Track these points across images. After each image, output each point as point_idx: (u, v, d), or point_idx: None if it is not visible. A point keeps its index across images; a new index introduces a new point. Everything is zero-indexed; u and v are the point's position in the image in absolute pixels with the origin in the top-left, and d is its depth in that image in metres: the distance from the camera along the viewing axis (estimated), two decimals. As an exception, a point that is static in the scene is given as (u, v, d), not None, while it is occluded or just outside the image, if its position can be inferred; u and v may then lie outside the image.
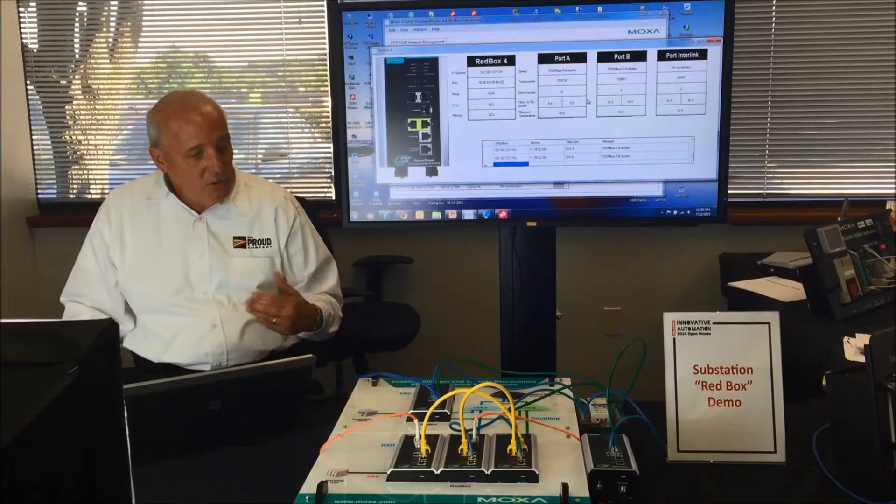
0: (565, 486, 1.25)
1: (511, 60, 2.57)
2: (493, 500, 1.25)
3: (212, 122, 2.05)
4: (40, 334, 0.81)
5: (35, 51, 3.60)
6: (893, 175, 3.41)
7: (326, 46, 3.50)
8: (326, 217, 3.01)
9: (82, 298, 2.17)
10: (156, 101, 2.14)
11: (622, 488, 1.29)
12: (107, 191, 3.72)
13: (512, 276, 2.78)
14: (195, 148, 2.03)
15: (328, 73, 3.54)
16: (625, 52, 2.55)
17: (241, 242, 2.14)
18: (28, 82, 3.60)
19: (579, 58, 2.56)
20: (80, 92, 3.63)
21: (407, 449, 1.38)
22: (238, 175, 2.20)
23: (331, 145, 3.60)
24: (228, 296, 2.11)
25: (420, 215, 2.67)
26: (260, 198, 2.18)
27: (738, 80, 2.92)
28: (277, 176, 3.65)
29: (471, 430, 1.40)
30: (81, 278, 2.17)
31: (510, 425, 1.36)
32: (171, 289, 2.09)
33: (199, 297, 2.10)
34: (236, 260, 2.12)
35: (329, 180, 3.64)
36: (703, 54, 2.54)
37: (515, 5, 2.55)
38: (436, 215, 2.67)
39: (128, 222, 2.13)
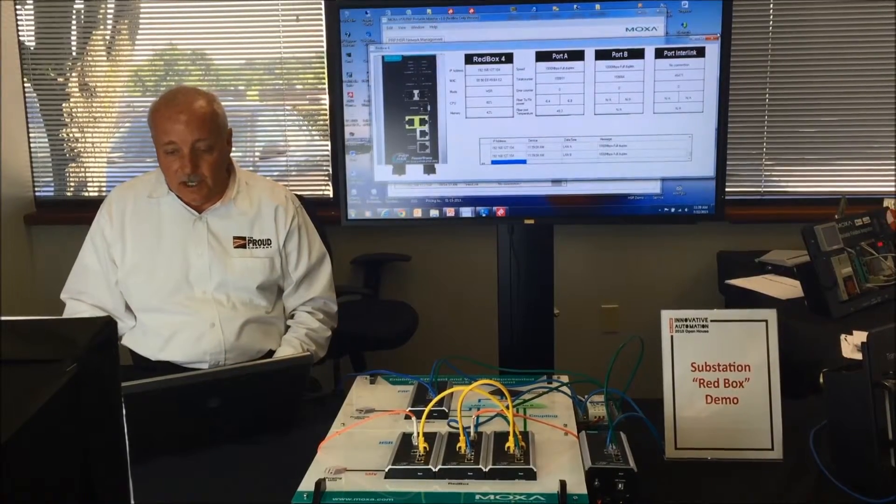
0: (563, 484, 1.25)
1: (509, 58, 2.57)
2: (491, 497, 1.25)
3: (191, 124, 2.01)
4: (38, 332, 0.81)
5: (32, 48, 3.59)
6: (891, 173, 3.41)
7: (324, 44, 3.50)
8: (324, 215, 3.00)
9: (83, 296, 2.16)
10: (153, 99, 2.14)
11: (620, 486, 1.29)
12: (104, 188, 3.72)
13: (510, 273, 2.78)
14: (170, 144, 2.03)
15: (326, 70, 3.53)
16: (622, 50, 2.55)
17: (242, 242, 2.14)
18: (25, 80, 3.60)
19: (577, 55, 2.56)
20: (77, 89, 3.63)
21: (405, 446, 1.38)
22: (239, 174, 2.19)
23: (328, 143, 3.60)
24: (228, 295, 2.11)
25: (418, 213, 2.67)
26: (260, 197, 2.18)
27: (736, 78, 2.92)
28: (275, 174, 3.65)
29: (469, 427, 1.41)
30: (82, 276, 2.17)
31: (508, 423, 1.36)
32: (170, 287, 2.09)
33: (199, 297, 2.10)
34: (236, 260, 2.12)
35: (327, 178, 3.64)
36: (700, 52, 2.54)
37: (513, 3, 2.55)
38: (433, 213, 2.67)
39: (129, 220, 2.13)
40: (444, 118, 2.60)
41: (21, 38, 3.56)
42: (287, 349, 2.12)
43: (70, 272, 2.19)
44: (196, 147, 2.03)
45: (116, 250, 2.12)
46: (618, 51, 2.55)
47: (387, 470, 1.32)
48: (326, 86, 3.55)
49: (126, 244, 2.12)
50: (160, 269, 2.10)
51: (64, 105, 3.64)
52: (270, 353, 2.14)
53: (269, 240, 2.16)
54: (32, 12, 3.57)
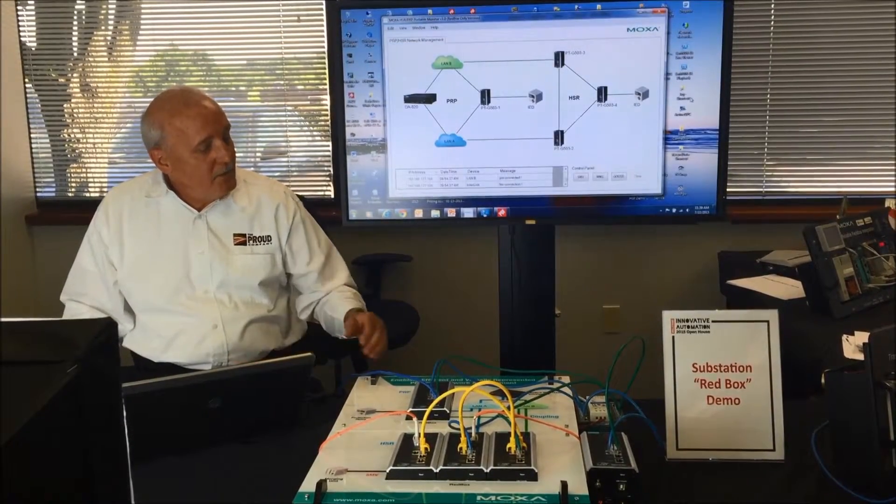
0: (564, 485, 1.25)
1: (511, 58, 2.57)
2: (493, 498, 1.25)
3: (216, 115, 2.05)
4: (39, 333, 0.81)
5: (34, 49, 3.60)
6: (892, 173, 3.41)
7: (325, 44, 3.50)
8: (325, 215, 3.00)
9: (82, 298, 2.16)
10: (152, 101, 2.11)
11: (621, 486, 1.29)
12: (105, 189, 3.72)
13: (511, 274, 2.78)
14: (204, 141, 2.02)
15: (327, 71, 3.54)
16: (624, 51, 2.55)
17: (242, 240, 2.14)
18: (27, 81, 3.60)
19: (577, 55, 2.56)
20: (78, 90, 3.63)
21: (406, 447, 1.38)
22: (238, 172, 2.19)
23: (330, 143, 3.60)
24: (230, 295, 2.10)
25: (419, 213, 2.67)
26: (259, 194, 2.18)
27: (737, 79, 2.91)
28: (276, 174, 3.65)
29: (470, 428, 1.41)
30: (80, 278, 2.16)
31: (509, 423, 1.36)
32: (172, 287, 2.08)
33: (200, 296, 2.09)
34: (237, 257, 2.12)
35: (328, 178, 3.64)
36: (701, 52, 2.54)
37: (514, 3, 2.54)
38: (435, 213, 2.67)
39: (127, 221, 2.12)
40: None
41: (22, 39, 3.57)
42: (347, 304, 2.15)
43: (69, 274, 2.19)
44: (225, 135, 2.07)
45: (114, 252, 2.12)
46: (619, 51, 2.55)
47: (388, 471, 1.32)
48: (328, 86, 3.55)
49: (124, 245, 2.11)
50: (160, 268, 2.10)
51: (65, 106, 3.64)
52: (273, 353, 2.14)
53: (269, 236, 2.16)
54: (34, 13, 3.57)
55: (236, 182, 2.14)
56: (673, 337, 1.48)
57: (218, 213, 2.13)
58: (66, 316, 2.16)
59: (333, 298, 2.21)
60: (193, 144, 2.01)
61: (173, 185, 2.13)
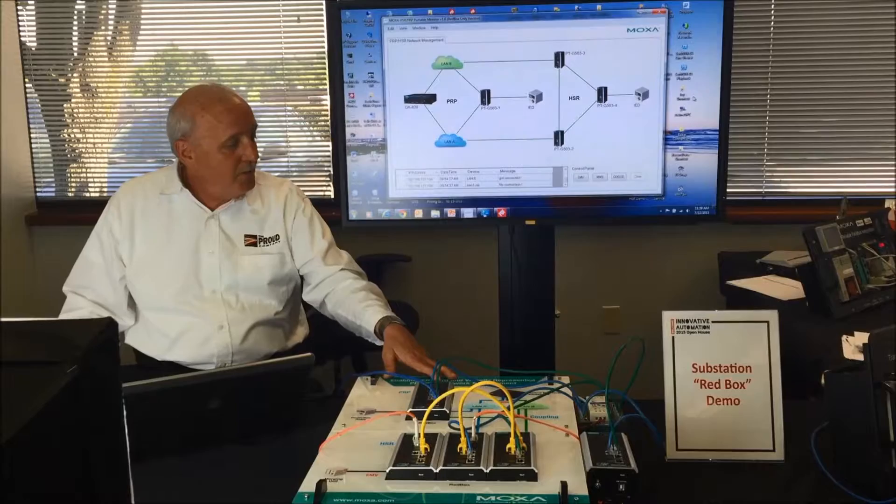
0: (564, 485, 1.25)
1: (511, 58, 2.57)
2: (492, 498, 1.25)
3: (246, 113, 2.06)
4: (39, 333, 0.81)
5: (33, 49, 3.59)
6: (892, 173, 3.41)
7: (325, 44, 3.50)
8: (325, 215, 3.00)
9: (85, 291, 2.14)
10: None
11: (621, 487, 1.29)
12: (105, 189, 3.72)
13: (511, 274, 2.78)
14: (233, 137, 2.01)
15: (327, 71, 3.54)
16: (624, 51, 2.55)
17: (252, 241, 2.13)
18: (27, 81, 3.60)
19: (578, 55, 2.56)
20: (78, 90, 3.63)
21: (406, 447, 1.38)
22: None
23: (330, 144, 3.60)
24: (237, 296, 2.10)
25: (419, 214, 2.67)
26: (269, 195, 2.18)
27: (737, 79, 2.92)
28: (276, 174, 3.63)
29: (470, 428, 1.41)
30: (86, 271, 2.15)
31: (509, 424, 1.36)
32: (179, 286, 2.08)
33: (207, 297, 2.09)
34: (246, 258, 2.11)
35: (328, 179, 3.64)
36: (701, 52, 2.54)
37: (514, 4, 2.55)
38: (434, 214, 2.67)
39: (139, 217, 2.11)
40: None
41: (22, 39, 3.56)
42: (370, 311, 2.04)
43: (74, 265, 2.18)
44: (252, 133, 2.07)
45: (124, 247, 2.11)
46: (619, 51, 2.56)
47: (388, 471, 1.32)
48: (328, 86, 3.55)
49: (135, 241, 2.11)
50: (169, 266, 2.09)
51: (65, 105, 3.64)
52: (276, 355, 2.13)
53: (277, 235, 2.15)
54: (34, 13, 3.57)
55: (255, 182, 2.14)
56: (673, 337, 1.48)
57: (230, 214, 2.12)
58: (66, 307, 2.14)
59: (348, 299, 2.11)
60: (223, 140, 2.01)
61: (189, 182, 2.12)
